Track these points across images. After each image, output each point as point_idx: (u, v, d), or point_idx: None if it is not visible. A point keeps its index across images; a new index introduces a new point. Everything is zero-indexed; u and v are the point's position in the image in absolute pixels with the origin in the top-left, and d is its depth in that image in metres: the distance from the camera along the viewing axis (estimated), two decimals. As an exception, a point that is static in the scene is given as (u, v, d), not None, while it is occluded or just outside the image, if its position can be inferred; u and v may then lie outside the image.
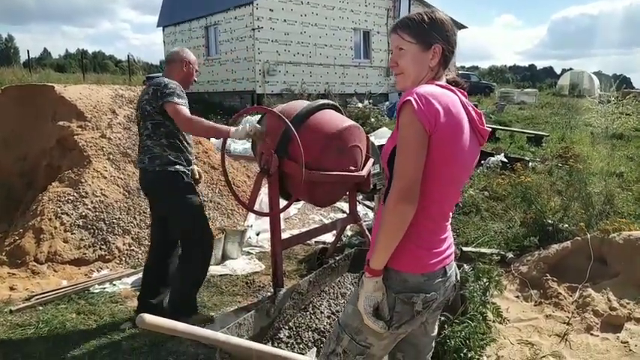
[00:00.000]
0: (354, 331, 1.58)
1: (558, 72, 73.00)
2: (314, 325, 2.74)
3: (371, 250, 1.52)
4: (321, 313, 2.86)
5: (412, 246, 1.50)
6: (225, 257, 4.47)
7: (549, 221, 4.35)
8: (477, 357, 2.67)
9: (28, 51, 50.95)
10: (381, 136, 11.31)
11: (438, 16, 1.56)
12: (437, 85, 1.51)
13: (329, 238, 4.58)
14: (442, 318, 2.73)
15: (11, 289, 3.73)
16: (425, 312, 1.55)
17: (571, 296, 3.51)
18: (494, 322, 3.09)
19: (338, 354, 1.62)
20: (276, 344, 2.76)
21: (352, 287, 3.13)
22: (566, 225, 4.36)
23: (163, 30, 20.40)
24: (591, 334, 3.10)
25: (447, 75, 1.60)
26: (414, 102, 1.38)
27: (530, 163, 8.27)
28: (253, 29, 15.63)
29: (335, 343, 1.63)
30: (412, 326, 1.58)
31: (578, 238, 3.91)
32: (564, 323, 3.23)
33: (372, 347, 1.58)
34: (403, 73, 1.58)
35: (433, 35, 1.53)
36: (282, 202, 3.10)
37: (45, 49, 76.28)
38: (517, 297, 3.69)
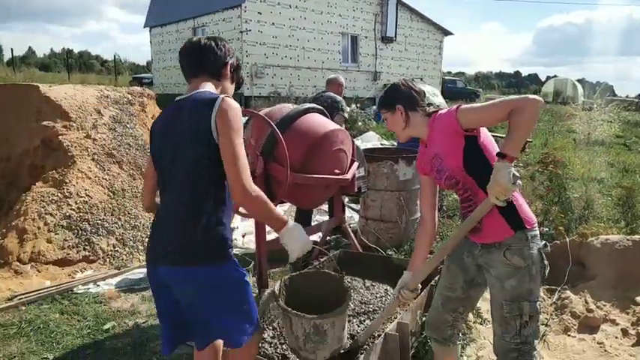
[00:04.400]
0: (528, 294, 1.78)
1: (543, 79, 74.09)
2: (298, 326, 2.76)
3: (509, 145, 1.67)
4: (305, 313, 2.88)
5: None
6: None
7: (530, 225, 4.42)
8: (457, 357, 2.72)
9: (12, 49, 50.13)
10: (367, 140, 11.34)
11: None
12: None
13: (314, 239, 4.59)
14: (424, 319, 2.78)
15: (-7, 289, 3.70)
16: None
17: (550, 298, 3.59)
18: (474, 322, 3.15)
19: (526, 323, 1.79)
20: (259, 345, 2.78)
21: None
22: (547, 229, 4.44)
23: (150, 30, 20.29)
24: (569, 335, 3.18)
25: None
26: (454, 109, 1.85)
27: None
28: (241, 32, 15.62)
29: (519, 318, 1.80)
30: None
31: (557, 241, 4.00)
32: (543, 325, 3.30)
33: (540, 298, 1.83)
34: (399, 135, 2.06)
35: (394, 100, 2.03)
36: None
37: (30, 48, 75.24)
38: (498, 299, 3.75)
